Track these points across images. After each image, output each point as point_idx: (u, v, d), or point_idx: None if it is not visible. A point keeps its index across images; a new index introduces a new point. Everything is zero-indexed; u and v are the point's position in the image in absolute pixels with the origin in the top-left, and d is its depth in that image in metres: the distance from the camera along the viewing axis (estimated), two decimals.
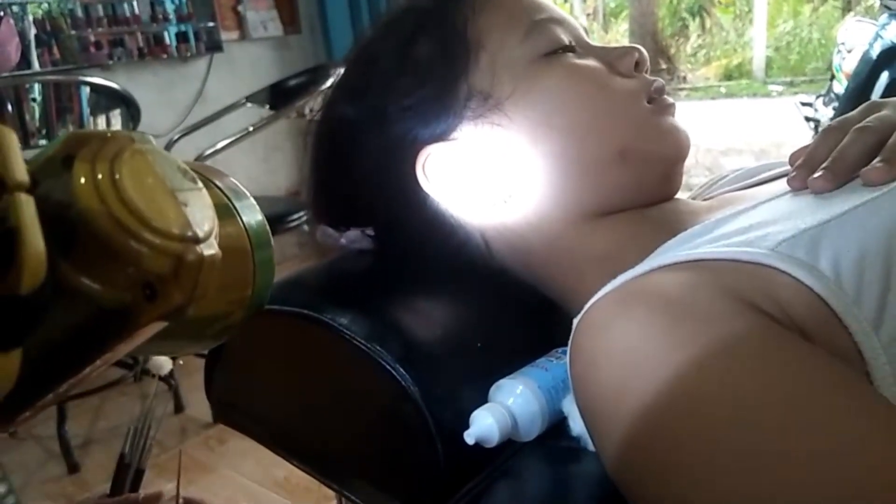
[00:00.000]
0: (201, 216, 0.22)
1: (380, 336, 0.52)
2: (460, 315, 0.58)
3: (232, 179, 0.32)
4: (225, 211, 0.27)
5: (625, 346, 0.39)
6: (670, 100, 0.55)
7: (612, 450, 0.39)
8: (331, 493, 1.91)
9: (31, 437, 2.32)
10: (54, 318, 0.18)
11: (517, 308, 0.59)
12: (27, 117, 2.17)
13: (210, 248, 0.22)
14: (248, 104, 2.49)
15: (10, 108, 2.05)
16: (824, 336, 0.37)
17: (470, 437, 0.48)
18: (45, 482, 2.06)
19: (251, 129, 2.39)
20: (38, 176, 0.18)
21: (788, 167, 0.52)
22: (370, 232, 0.63)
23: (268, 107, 2.51)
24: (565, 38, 0.55)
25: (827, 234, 0.40)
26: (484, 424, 0.49)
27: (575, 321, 0.46)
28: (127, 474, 0.60)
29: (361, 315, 0.54)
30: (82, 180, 0.19)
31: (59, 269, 0.18)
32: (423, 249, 0.58)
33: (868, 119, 0.47)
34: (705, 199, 0.61)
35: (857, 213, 0.41)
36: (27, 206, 0.18)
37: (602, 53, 0.56)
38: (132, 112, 2.18)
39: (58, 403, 2.17)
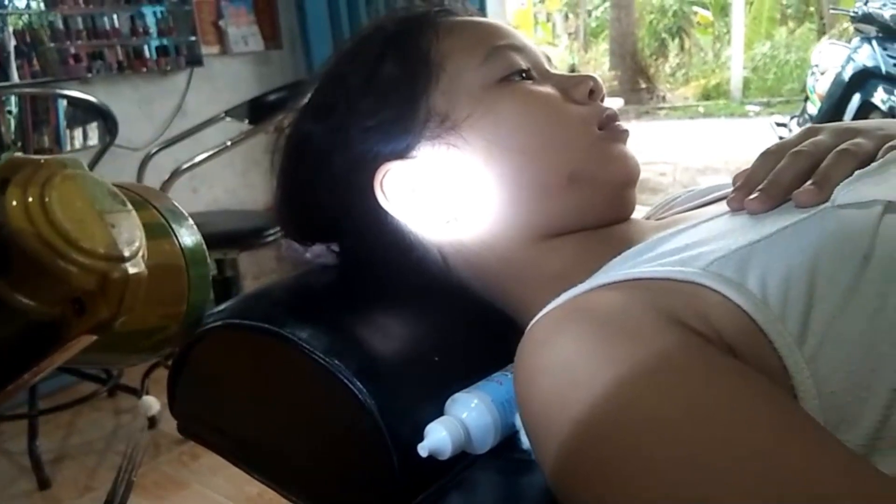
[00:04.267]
0: (129, 236, 0.23)
1: (339, 351, 0.53)
2: (418, 329, 0.59)
3: (172, 202, 0.34)
4: (160, 230, 0.28)
5: (561, 362, 0.41)
6: (623, 126, 0.57)
7: (549, 460, 0.40)
8: None
9: (0, 452, 2.29)
10: None
11: (474, 323, 0.60)
12: (2, 129, 2.16)
13: (135, 267, 0.23)
14: (228, 118, 2.50)
15: None
16: (751, 352, 0.39)
17: (423, 449, 0.50)
18: (15, 498, 2.03)
19: (230, 143, 2.40)
20: None
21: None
22: (334, 247, 0.64)
23: (247, 121, 2.52)
24: (523, 64, 0.57)
25: (756, 254, 0.42)
26: (437, 437, 0.50)
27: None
28: None
29: (321, 329, 0.55)
30: (14, 203, 0.20)
31: None
32: (384, 265, 0.60)
33: (804, 143, 0.50)
34: (658, 220, 0.64)
35: (785, 233, 0.43)
36: None
37: (558, 81, 0.58)
38: (109, 125, 2.18)
39: (29, 419, 2.14)
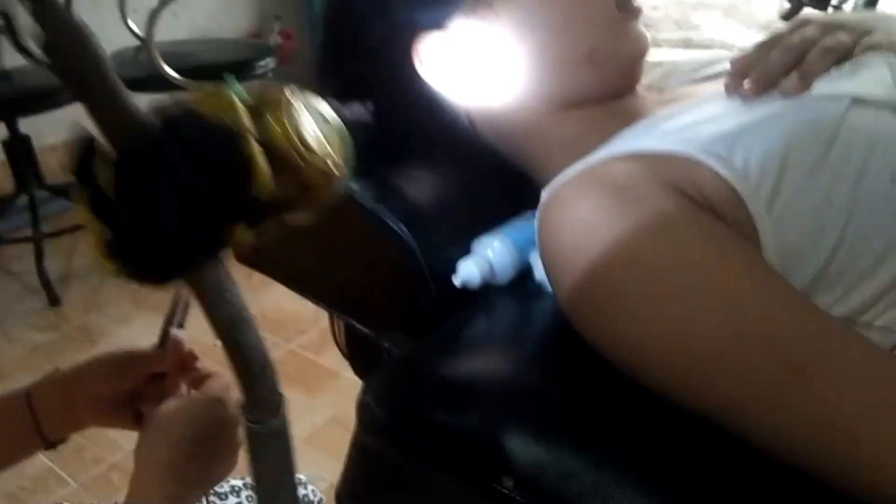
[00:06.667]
0: (331, 142, 0.32)
1: (383, 199, 0.63)
2: (448, 182, 0.69)
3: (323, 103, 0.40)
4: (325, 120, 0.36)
5: (582, 219, 0.52)
6: (636, 4, 0.64)
7: (566, 292, 0.53)
8: (303, 327, 2.10)
9: (7, 273, 2.40)
10: None
11: (495, 177, 0.70)
12: None
13: (338, 168, 0.32)
14: None
15: None
16: (731, 214, 0.50)
17: (457, 280, 0.61)
18: (30, 314, 2.17)
19: None
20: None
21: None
22: (370, 106, 0.72)
23: None
24: None
25: (743, 136, 0.52)
26: (468, 271, 0.62)
27: (543, 194, 0.58)
28: (169, 330, 0.69)
29: (367, 182, 0.65)
30: (273, 124, 0.29)
31: None
32: (417, 124, 0.68)
33: (793, 36, 0.57)
34: (661, 91, 0.72)
35: (767, 120, 0.52)
36: (255, 145, 0.28)
37: None
38: None
39: (35, 241, 2.24)
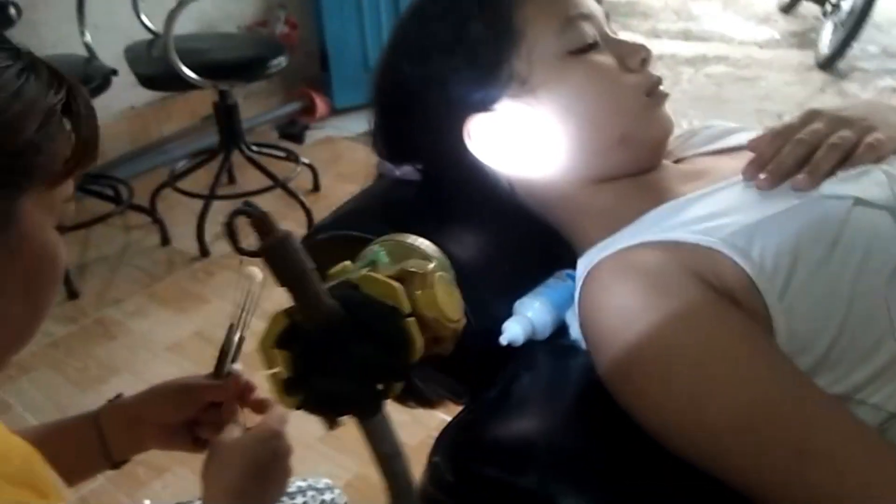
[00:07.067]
0: (459, 305, 0.40)
1: None
2: (490, 243, 0.77)
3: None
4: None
5: (619, 304, 0.60)
6: (664, 91, 0.71)
7: (604, 366, 0.61)
8: None
9: None
10: None
11: (533, 238, 0.78)
12: None
13: (461, 323, 0.40)
14: None
15: None
16: (747, 302, 0.58)
17: (504, 339, 0.70)
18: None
19: None
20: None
21: (747, 138, 0.71)
22: (419, 168, 0.79)
23: None
24: (590, 36, 0.69)
25: (759, 230, 0.60)
26: (513, 331, 0.70)
27: (580, 266, 0.67)
28: (225, 362, 0.76)
29: None
30: (419, 294, 0.37)
31: None
32: (461, 188, 0.76)
33: (804, 132, 0.65)
34: (681, 160, 0.80)
35: (782, 215, 0.60)
36: (413, 323, 0.36)
37: (616, 48, 0.70)
38: None
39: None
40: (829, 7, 3.76)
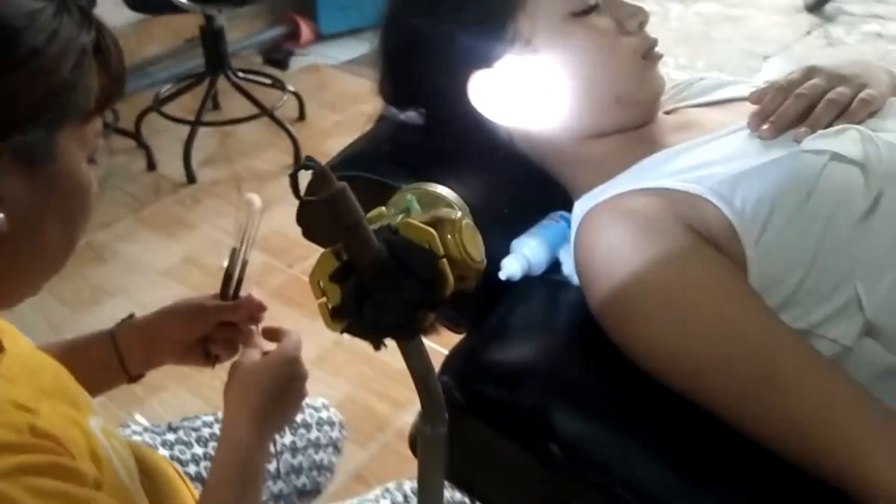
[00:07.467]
0: (481, 248, 0.45)
1: None
2: (490, 186, 0.82)
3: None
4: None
5: (610, 244, 0.66)
6: (659, 52, 0.75)
7: (596, 302, 0.68)
8: (306, 253, 2.22)
9: None
10: None
11: (529, 181, 0.83)
12: None
13: (483, 264, 0.46)
14: None
15: None
16: (727, 245, 0.65)
17: (503, 274, 0.76)
18: None
19: None
20: None
21: (742, 92, 0.77)
22: (423, 113, 0.83)
23: None
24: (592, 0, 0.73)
25: (743, 180, 0.66)
26: (511, 267, 0.76)
27: (576, 209, 0.73)
28: (230, 284, 0.81)
29: (417, 180, 0.77)
30: (449, 238, 0.43)
31: None
32: (463, 134, 0.80)
33: (805, 86, 0.70)
34: (673, 111, 0.85)
35: (767, 166, 0.66)
36: (446, 264, 0.41)
37: (616, 10, 0.74)
38: None
39: None
40: None
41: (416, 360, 0.45)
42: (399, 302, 0.40)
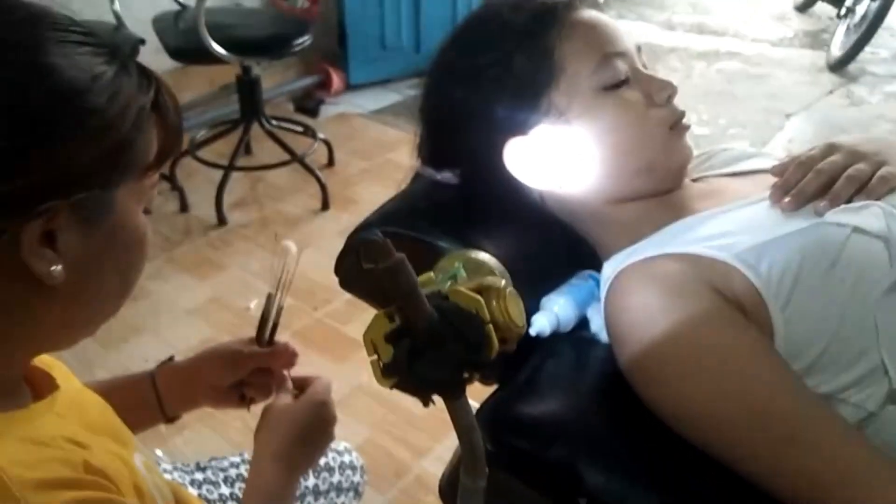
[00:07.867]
0: (522, 314, 0.49)
1: None
2: (520, 244, 0.85)
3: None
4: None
5: (640, 306, 0.69)
6: (686, 123, 0.79)
7: (625, 361, 0.70)
8: (330, 297, 2.24)
9: None
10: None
11: (559, 242, 0.86)
12: None
13: (524, 328, 0.49)
14: None
15: None
16: (753, 311, 0.67)
17: (533, 331, 0.79)
18: None
19: None
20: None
21: (765, 165, 0.81)
22: (458, 174, 0.88)
23: None
24: (622, 73, 0.77)
25: (769, 248, 0.68)
26: (540, 324, 0.79)
27: (607, 269, 0.75)
28: (265, 328, 0.84)
29: (455, 238, 0.81)
30: (494, 305, 0.46)
31: None
32: (496, 196, 0.84)
33: (825, 162, 0.73)
34: (699, 179, 0.88)
35: (788, 237, 0.69)
36: (492, 329, 0.45)
37: (646, 84, 0.78)
38: None
39: None
40: (844, 9, 3.81)
41: (462, 417, 0.48)
42: (448, 363, 0.43)
